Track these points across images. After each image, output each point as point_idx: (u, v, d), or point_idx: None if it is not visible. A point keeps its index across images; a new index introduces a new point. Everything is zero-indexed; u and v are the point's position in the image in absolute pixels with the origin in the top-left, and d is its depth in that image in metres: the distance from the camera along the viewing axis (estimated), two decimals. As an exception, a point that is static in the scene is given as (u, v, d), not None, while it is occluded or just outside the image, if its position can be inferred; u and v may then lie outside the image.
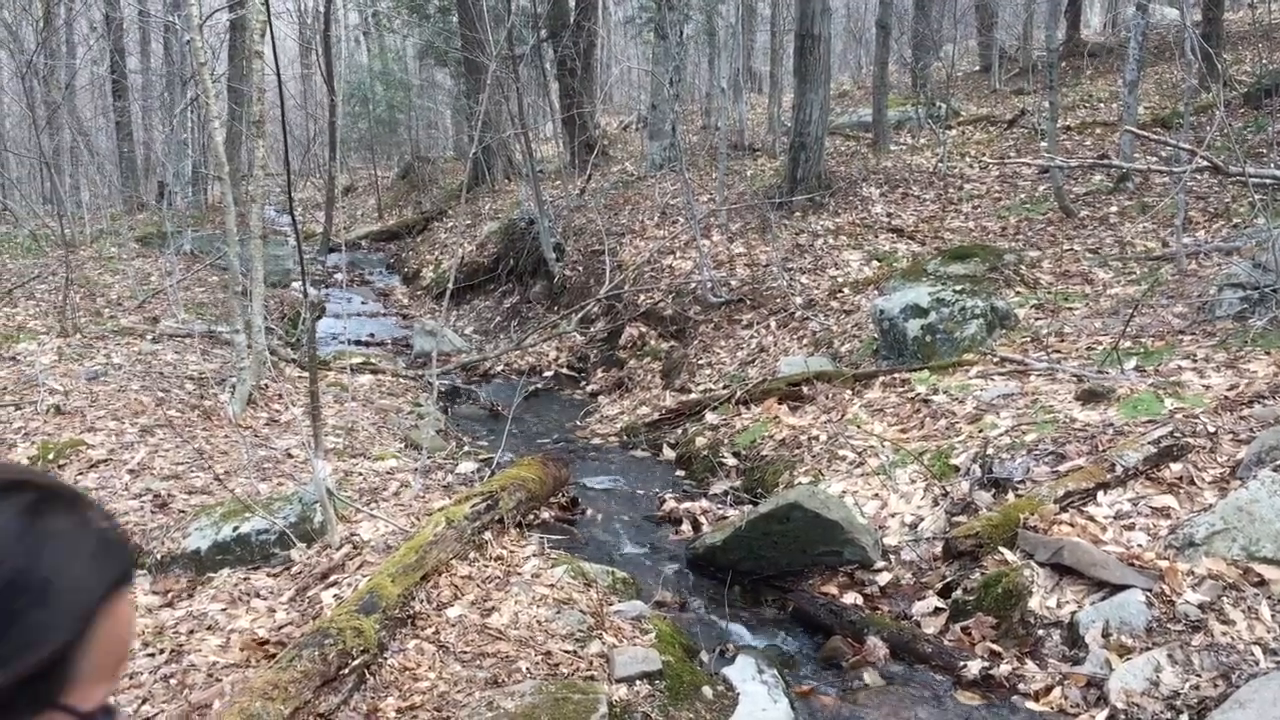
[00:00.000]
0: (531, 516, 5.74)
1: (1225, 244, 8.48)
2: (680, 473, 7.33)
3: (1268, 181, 6.89)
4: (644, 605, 4.47)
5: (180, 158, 17.20)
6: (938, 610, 4.74)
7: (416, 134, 26.52)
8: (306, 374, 8.94)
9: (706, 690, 3.83)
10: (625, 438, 8.39)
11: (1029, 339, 7.62)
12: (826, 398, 7.45)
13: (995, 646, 4.40)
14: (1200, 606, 4.12)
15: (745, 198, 13.32)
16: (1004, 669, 4.22)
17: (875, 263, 10.64)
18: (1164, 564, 4.37)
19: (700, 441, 7.52)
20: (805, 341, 9.18)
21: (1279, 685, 3.57)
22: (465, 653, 3.98)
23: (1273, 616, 4.03)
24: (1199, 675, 3.85)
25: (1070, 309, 8.14)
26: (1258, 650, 3.87)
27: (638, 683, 3.73)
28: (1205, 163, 6.22)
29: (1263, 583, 4.20)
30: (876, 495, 5.84)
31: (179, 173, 16.81)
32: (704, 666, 4.19)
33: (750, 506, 5.78)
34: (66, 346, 8.66)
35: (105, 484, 5.88)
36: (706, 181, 14.61)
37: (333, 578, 4.59)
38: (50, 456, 6.20)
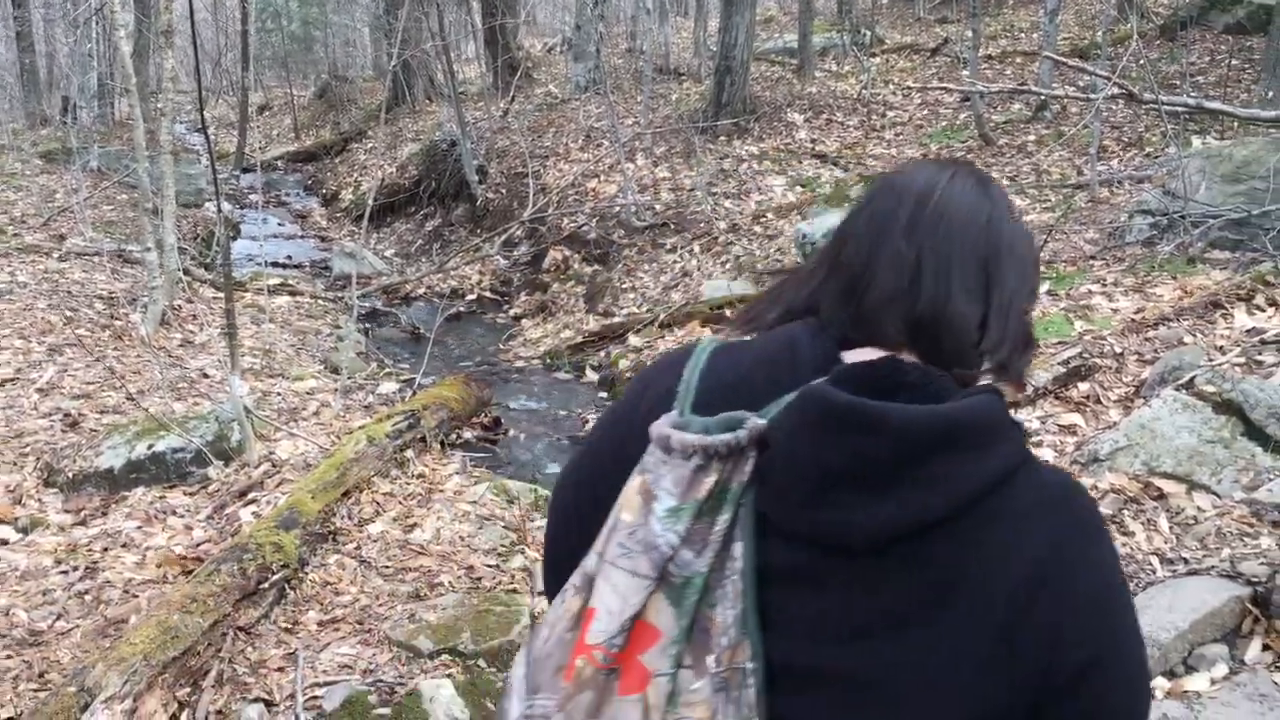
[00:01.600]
0: (454, 436, 5.72)
1: (1137, 172, 8.67)
2: (603, 394, 7.36)
3: (1180, 110, 7.04)
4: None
5: (85, 70, 16.54)
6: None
7: (333, 52, 25.82)
8: (221, 294, 8.75)
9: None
10: (548, 360, 8.38)
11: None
12: (748, 320, 7.51)
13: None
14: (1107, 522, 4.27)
15: (670, 122, 13.23)
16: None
17: (799, 188, 10.68)
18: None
19: (624, 364, 7.55)
20: (729, 266, 9.22)
21: (1173, 592, 3.73)
22: (387, 567, 3.99)
23: (1170, 528, 4.19)
24: (1099, 584, 4.00)
25: (987, 235, 8.25)
26: (1155, 560, 4.03)
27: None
28: (1121, 90, 6.33)
29: (1161, 496, 4.36)
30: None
31: (84, 86, 16.17)
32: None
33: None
34: (-32, 264, 8.37)
35: (12, 403, 5.73)
36: (631, 105, 14.48)
37: (251, 495, 4.55)
38: (-47, 375, 6.01)
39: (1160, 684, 3.40)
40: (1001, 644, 1.00)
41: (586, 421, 6.62)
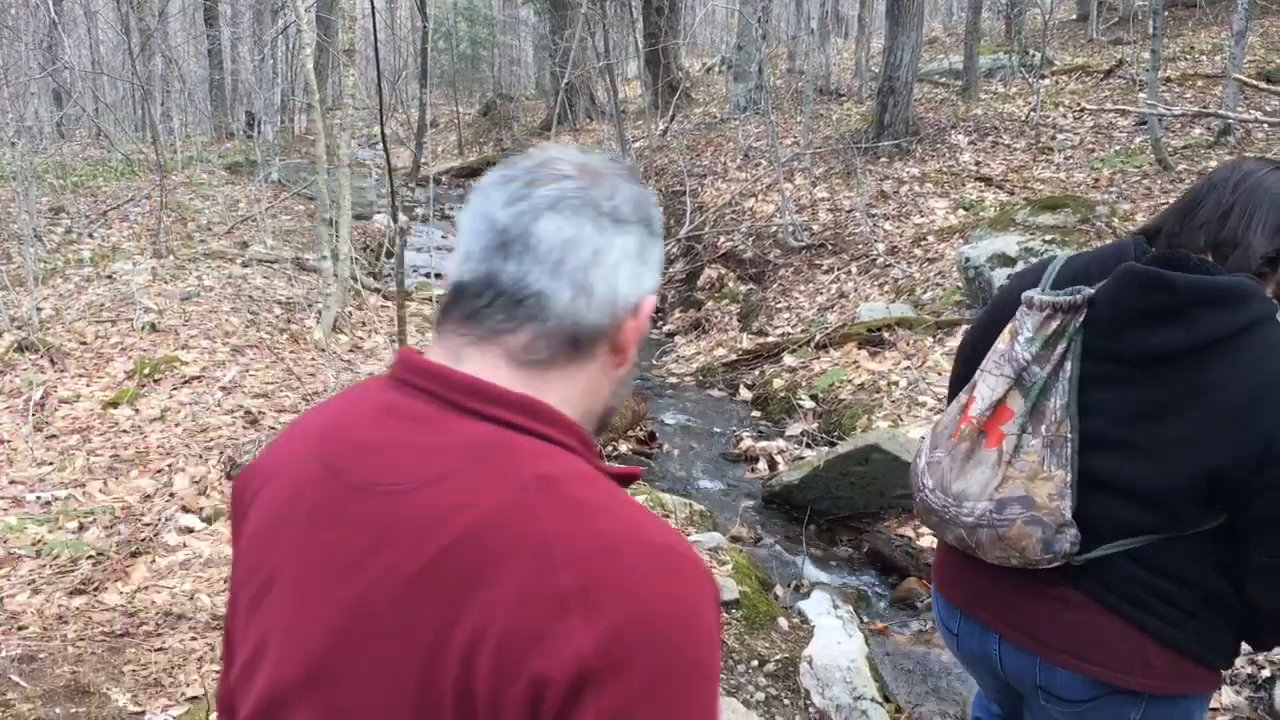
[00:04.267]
0: (610, 448, 5.80)
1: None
2: (756, 413, 7.35)
3: (1382, 136, 6.62)
4: (721, 537, 4.52)
5: (269, 87, 17.41)
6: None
7: (499, 71, 26.56)
8: (389, 303, 9.08)
9: (782, 621, 3.88)
10: (702, 377, 8.42)
11: (1119, 292, 7.46)
12: (907, 344, 7.39)
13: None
14: None
15: (830, 142, 13.15)
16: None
17: (961, 211, 10.46)
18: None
19: (777, 383, 7.53)
20: (886, 288, 9.10)
21: None
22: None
23: None
24: None
25: (1163, 263, 7.94)
26: None
27: (715, 610, 3.78)
28: (1316, 115, 5.99)
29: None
30: (956, 442, 5.81)
31: (267, 102, 17.02)
32: (779, 599, 4.24)
33: (828, 447, 5.80)
34: (160, 267, 8.90)
35: (198, 399, 6.06)
36: (790, 125, 14.45)
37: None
38: (146, 371, 6.40)
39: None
40: (1230, 428, 1.63)
41: (740, 439, 6.62)
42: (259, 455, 1.13)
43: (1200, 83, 13.45)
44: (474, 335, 1.02)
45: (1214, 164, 10.35)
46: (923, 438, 1.94)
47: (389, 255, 11.34)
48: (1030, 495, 1.76)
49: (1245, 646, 1.88)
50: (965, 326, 7.37)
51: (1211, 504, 1.69)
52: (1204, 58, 15.16)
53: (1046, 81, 14.80)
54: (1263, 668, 3.66)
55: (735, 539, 4.88)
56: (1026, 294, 1.84)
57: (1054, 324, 1.78)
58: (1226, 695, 3.59)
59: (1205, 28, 17.17)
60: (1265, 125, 8.69)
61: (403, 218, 9.44)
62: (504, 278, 1.01)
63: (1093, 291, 1.76)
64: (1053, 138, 12.42)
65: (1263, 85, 6.54)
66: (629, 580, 0.87)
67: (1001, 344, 1.87)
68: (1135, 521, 1.72)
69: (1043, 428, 1.78)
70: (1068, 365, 1.77)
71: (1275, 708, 3.45)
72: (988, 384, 1.86)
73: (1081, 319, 1.77)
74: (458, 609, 0.87)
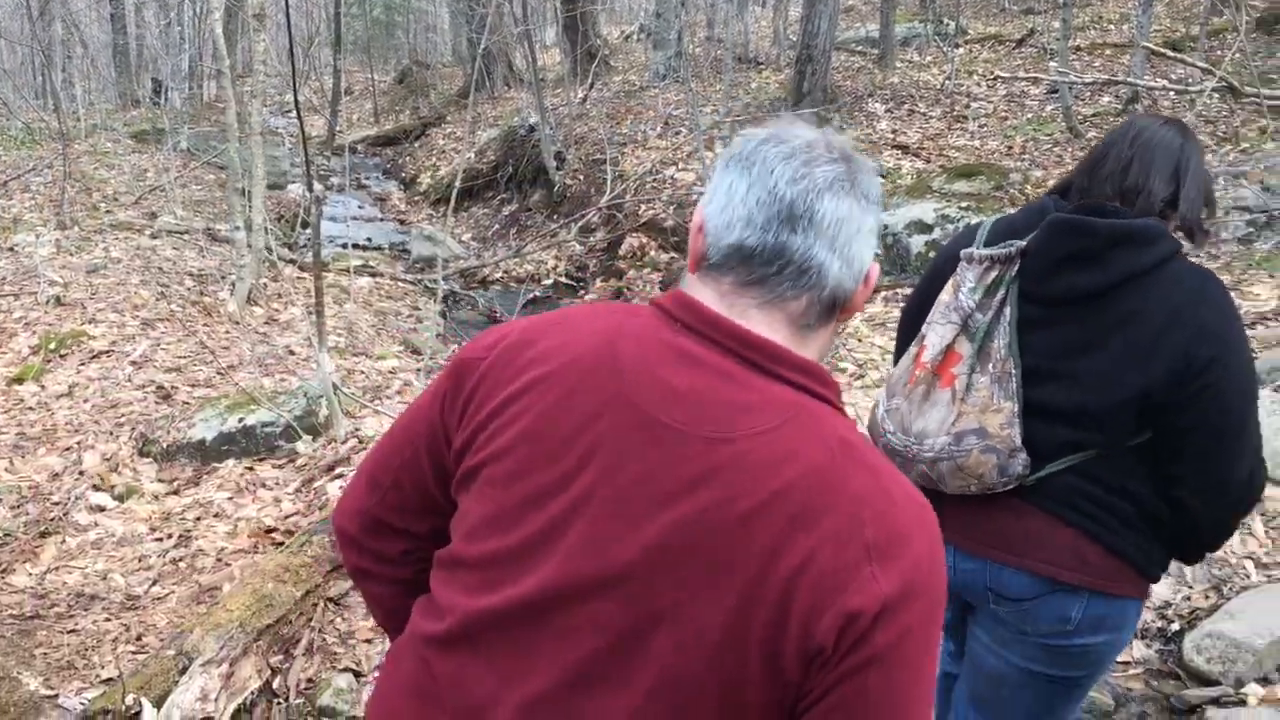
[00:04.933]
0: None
1: (1233, 168, 8.44)
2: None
3: (1281, 104, 6.84)
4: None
5: (176, 53, 16.91)
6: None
7: (414, 37, 26.11)
8: (305, 274, 8.91)
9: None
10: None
11: (1032, 258, 7.61)
12: (828, 311, 7.46)
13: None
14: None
15: (750, 110, 13.17)
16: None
17: (880, 179, 10.55)
18: (1161, 479, 4.43)
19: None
20: (807, 256, 9.16)
21: (1269, 597, 3.64)
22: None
23: (1265, 533, 4.09)
24: (1191, 587, 3.92)
25: (1074, 229, 8.12)
26: (1249, 564, 3.94)
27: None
28: (1221, 83, 6.15)
29: (1259, 500, 4.25)
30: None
31: (174, 68, 16.54)
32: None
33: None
34: (64, 239, 8.61)
35: (108, 374, 5.89)
36: (710, 93, 14.43)
37: (338, 470, 4.63)
38: (52, 346, 6.19)
39: (1254, 691, 3.33)
40: (1149, 354, 1.87)
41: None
42: (493, 336, 1.33)
43: (1109, 51, 13.73)
44: (761, 299, 1.19)
45: (1122, 132, 10.57)
46: (880, 395, 2.16)
47: (304, 225, 11.12)
48: (984, 426, 1.97)
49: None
50: (884, 293, 7.47)
51: (1140, 421, 1.93)
52: (1112, 27, 15.47)
53: (961, 50, 14.98)
54: (1171, 621, 3.77)
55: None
56: (965, 251, 2.07)
57: (992, 274, 2.02)
58: (1138, 649, 3.70)
59: (1113, -2, 17.51)
60: (1171, 93, 8.90)
61: (318, 187, 9.26)
62: (793, 249, 1.18)
63: (1024, 244, 2.00)
64: (967, 106, 12.60)
65: (1169, 53, 6.69)
66: (910, 533, 1.13)
67: (946, 296, 2.08)
68: (1075, 441, 1.95)
69: (989, 366, 2.00)
70: (1007, 310, 2.01)
71: (1184, 660, 3.56)
72: (937, 333, 2.07)
73: (1016, 269, 2.01)
74: (782, 546, 1.07)
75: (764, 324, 1.19)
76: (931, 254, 7.83)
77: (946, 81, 13.25)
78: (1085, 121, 11.11)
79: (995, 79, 13.00)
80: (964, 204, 8.28)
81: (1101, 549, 1.95)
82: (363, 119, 22.91)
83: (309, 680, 3.13)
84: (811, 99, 12.48)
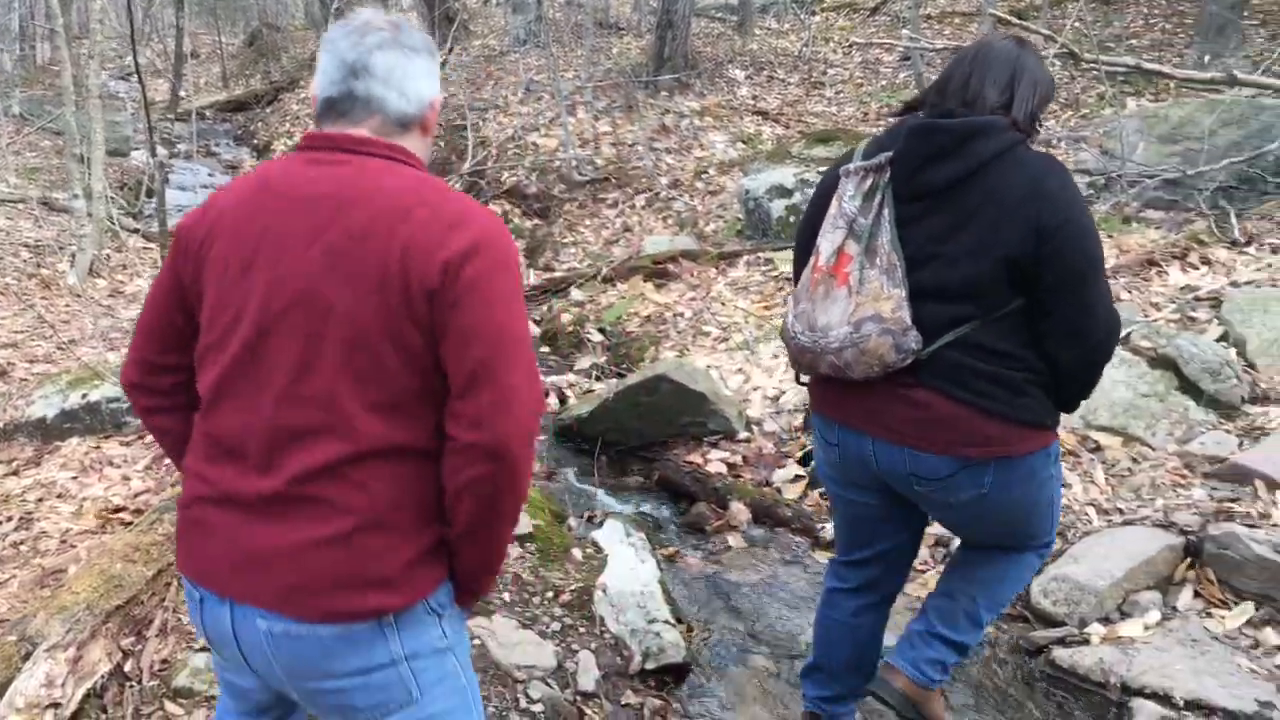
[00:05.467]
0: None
1: (1074, 133, 8.79)
2: (545, 348, 7.33)
3: (1119, 71, 7.13)
4: (513, 472, 4.49)
5: (6, 11, 15.92)
6: (798, 477, 4.90)
7: (264, -1, 25.15)
8: (152, 245, 8.53)
9: (576, 552, 3.90)
10: (489, 314, 8.29)
11: (888, 221, 7.79)
12: (692, 275, 7.51)
13: (851, 510, 4.59)
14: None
15: (611, 76, 13.12)
16: (859, 530, 4.41)
17: (740, 144, 10.67)
18: (1011, 432, 4.60)
19: (566, 318, 7.52)
20: (670, 221, 9.21)
21: (1109, 541, 3.82)
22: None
23: (1106, 480, 4.30)
24: (1038, 533, 4.10)
25: (927, 193, 8.34)
26: (1091, 510, 4.13)
27: (510, 545, 3.76)
28: (1063, 50, 6.39)
29: (1098, 448, 4.46)
30: (740, 370, 5.96)
31: (4, 28, 15.58)
32: (573, 531, 4.26)
33: (617, 379, 5.84)
34: (-116, 209, 8.06)
35: (-64, 352, 5.55)
36: (571, 59, 14.32)
37: (191, 445, 4.46)
38: (-128, 323, 5.80)
39: (1096, 630, 3.49)
40: (1008, 225, 2.20)
41: (530, 375, 6.59)
42: (197, 212, 1.89)
43: (958, 20, 14.11)
44: (349, 125, 1.83)
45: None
46: (788, 305, 2.51)
47: (150, 194, 10.63)
48: (878, 313, 2.27)
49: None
50: (747, 257, 7.56)
51: (1012, 286, 2.25)
52: (961, -4, 15.87)
53: (817, 18, 15.20)
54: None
55: (527, 473, 4.87)
56: (844, 167, 2.41)
57: (868, 182, 2.35)
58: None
59: (962, -32, 17.97)
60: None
61: (162, 152, 8.86)
62: (359, 92, 1.81)
63: (891, 153, 2.34)
64: (824, 73, 12.80)
65: (1014, 20, 6.90)
66: (479, 216, 1.76)
67: (831, 209, 2.41)
68: (957, 314, 2.27)
69: (877, 260, 2.30)
70: (885, 211, 2.33)
71: (1032, 603, 3.72)
72: (828, 239, 2.39)
73: (888, 175, 2.34)
74: (394, 233, 1.69)
75: (357, 132, 1.82)
76: (792, 218, 7.96)
77: (804, 49, 13.44)
78: (937, 88, 11.39)
79: (850, 46, 13.24)
80: (823, 169, 8.40)
81: (998, 421, 2.27)
82: (211, 83, 22.00)
83: (163, 661, 3.01)
84: (672, 65, 12.50)
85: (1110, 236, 6.32)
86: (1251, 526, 3.63)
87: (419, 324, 1.69)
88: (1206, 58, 9.28)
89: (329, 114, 1.84)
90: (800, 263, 2.56)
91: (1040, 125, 2.41)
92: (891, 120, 2.52)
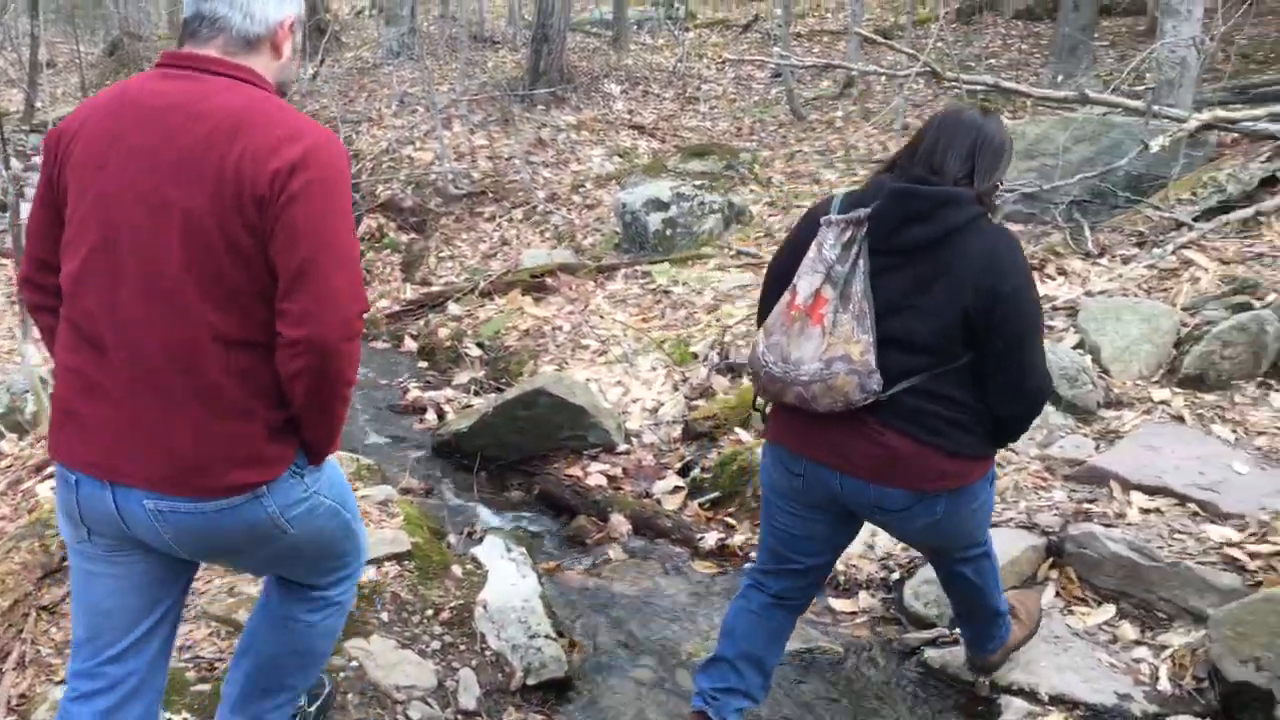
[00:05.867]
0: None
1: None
2: (423, 364, 7.25)
3: (978, 89, 7.41)
4: (391, 490, 4.43)
5: None
6: (677, 488, 4.94)
7: (125, 6, 24.32)
8: (6, 261, 8.16)
9: (456, 569, 3.86)
10: (365, 330, 8.17)
11: (763, 234, 7.94)
12: (570, 289, 7.52)
13: (730, 519, 4.64)
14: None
15: (487, 89, 13.06)
16: (738, 539, 4.46)
17: (617, 158, 10.74)
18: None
19: (443, 333, 7.45)
20: (548, 235, 9.21)
21: (977, 542, 3.95)
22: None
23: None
24: (909, 537, 4.21)
25: (800, 206, 8.52)
26: (960, 513, 4.25)
27: (386, 564, 3.71)
28: (925, 69, 6.60)
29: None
30: (619, 382, 5.99)
31: None
32: (452, 548, 4.21)
33: (496, 394, 5.81)
34: None
35: None
36: (446, 72, 14.22)
37: (50, 469, 4.28)
38: None
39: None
40: (968, 289, 2.46)
41: (407, 390, 6.51)
42: (63, 121, 2.09)
43: (827, 38, 14.48)
44: (199, 44, 2.04)
45: (840, 114, 11.21)
46: (758, 337, 2.71)
47: (2, 208, 10.17)
48: (848, 354, 2.49)
49: None
50: (625, 270, 7.60)
51: (966, 343, 2.52)
52: (829, 15, 16.32)
53: (691, 34, 15.42)
54: (893, 571, 4.03)
55: (406, 491, 4.80)
56: (825, 218, 2.60)
57: (848, 234, 2.55)
58: (863, 599, 3.94)
59: (830, -13, 18.44)
60: (883, 77, 9.47)
61: (16, 165, 8.49)
62: (205, 12, 2.03)
63: (869, 210, 2.54)
64: (698, 88, 12.98)
65: (880, 40, 7.11)
66: (312, 132, 1.98)
67: (811, 253, 2.59)
68: (916, 363, 2.53)
69: (850, 306, 2.52)
70: (860, 262, 2.54)
71: (905, 606, 3.82)
72: (806, 281, 2.58)
73: (865, 229, 2.54)
74: (231, 144, 1.91)
75: (206, 52, 2.03)
76: (669, 231, 8.04)
77: (678, 64, 13.61)
78: (807, 104, 11.67)
79: (723, 63, 13.45)
80: (698, 183, 8.53)
81: (950, 458, 2.56)
82: (69, 94, 21.13)
83: (21, 696, 2.88)
84: (548, 79, 12.52)
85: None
86: (1108, 526, 3.78)
87: (250, 228, 1.91)
88: (1060, 77, 9.72)
89: (185, 34, 2.06)
90: (769, 299, 2.76)
91: (992, 203, 2.67)
92: (861, 175, 2.78)
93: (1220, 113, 6.52)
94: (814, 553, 2.88)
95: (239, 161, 1.89)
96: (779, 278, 2.74)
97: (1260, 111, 6.56)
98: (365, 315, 2.05)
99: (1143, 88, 7.77)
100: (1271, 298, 4.96)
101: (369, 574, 3.60)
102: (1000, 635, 3.20)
